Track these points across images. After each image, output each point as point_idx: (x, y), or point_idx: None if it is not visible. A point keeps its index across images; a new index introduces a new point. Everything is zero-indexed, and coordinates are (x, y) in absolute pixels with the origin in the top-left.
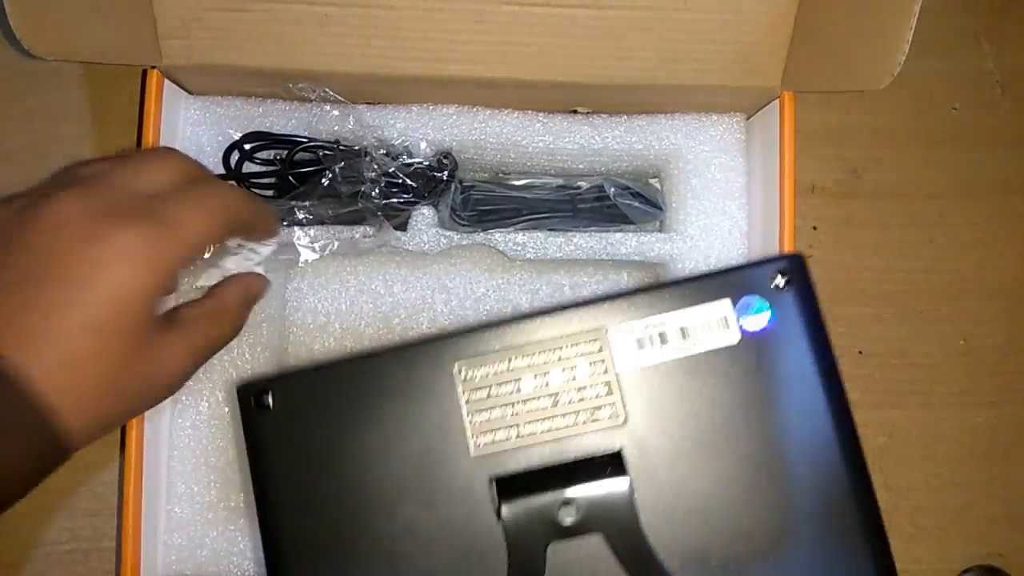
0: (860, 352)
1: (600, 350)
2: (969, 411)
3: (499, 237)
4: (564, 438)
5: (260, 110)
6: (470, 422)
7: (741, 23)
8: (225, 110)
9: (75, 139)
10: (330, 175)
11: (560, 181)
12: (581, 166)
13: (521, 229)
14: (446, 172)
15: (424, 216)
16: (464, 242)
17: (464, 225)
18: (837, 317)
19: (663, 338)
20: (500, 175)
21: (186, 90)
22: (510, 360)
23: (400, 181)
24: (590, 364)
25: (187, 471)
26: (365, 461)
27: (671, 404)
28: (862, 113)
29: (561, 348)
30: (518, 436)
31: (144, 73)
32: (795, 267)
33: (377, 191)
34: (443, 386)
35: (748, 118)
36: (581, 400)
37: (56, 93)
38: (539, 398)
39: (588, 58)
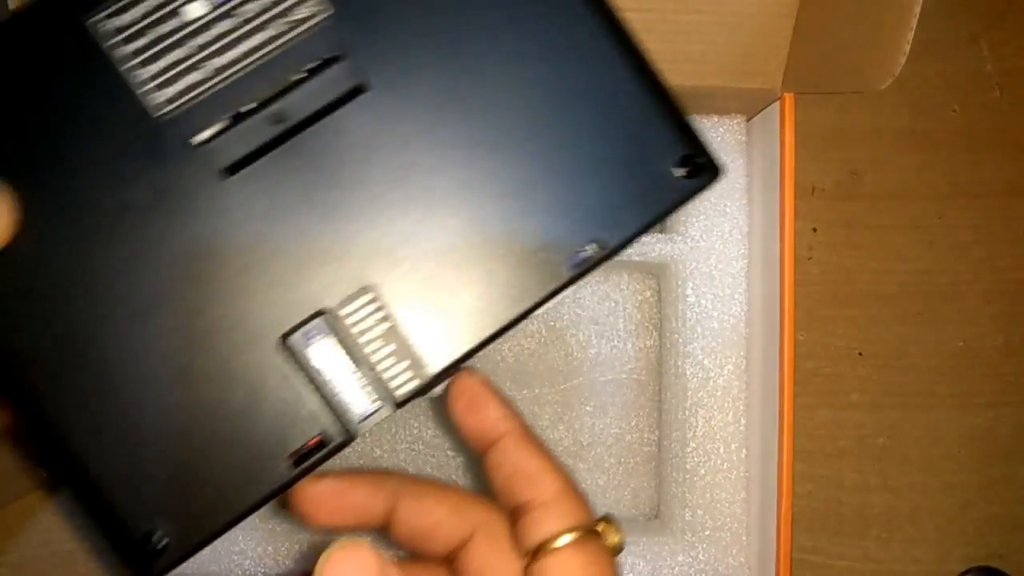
0: (860, 353)
1: None
2: (968, 412)
3: None
4: (268, 60)
5: None
6: (134, 79)
7: (741, 25)
8: None
9: None
10: None
11: None
12: None
13: None
14: None
15: None
16: None
17: None
18: (836, 318)
19: None
20: None
21: None
22: None
23: None
24: None
25: None
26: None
27: None
28: (861, 115)
29: None
30: (209, 79)
31: None
32: None
33: None
34: (79, 52)
35: (748, 119)
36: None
37: None
38: (216, 21)
39: None
